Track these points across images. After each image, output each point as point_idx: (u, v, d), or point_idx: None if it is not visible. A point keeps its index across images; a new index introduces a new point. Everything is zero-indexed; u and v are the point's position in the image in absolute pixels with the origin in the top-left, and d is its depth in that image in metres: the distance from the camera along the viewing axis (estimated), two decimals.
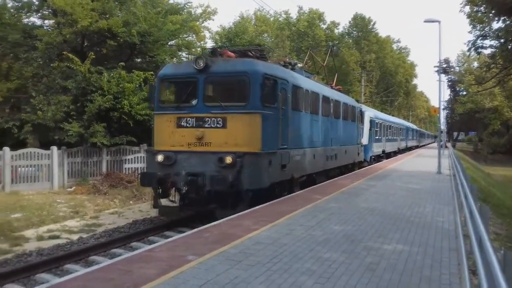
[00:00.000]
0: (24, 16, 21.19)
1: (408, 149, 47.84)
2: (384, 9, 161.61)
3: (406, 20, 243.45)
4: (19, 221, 11.41)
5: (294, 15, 64.21)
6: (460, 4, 25.55)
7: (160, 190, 10.78)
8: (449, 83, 69.66)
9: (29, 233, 10.45)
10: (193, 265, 5.64)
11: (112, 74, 18.33)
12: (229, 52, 11.64)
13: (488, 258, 4.05)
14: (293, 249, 6.48)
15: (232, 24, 47.75)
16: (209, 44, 33.86)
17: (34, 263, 7.85)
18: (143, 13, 19.66)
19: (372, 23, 69.55)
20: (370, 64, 65.25)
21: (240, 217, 8.79)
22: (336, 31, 66.18)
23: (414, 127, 64.06)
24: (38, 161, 17.02)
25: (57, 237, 10.15)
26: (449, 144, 68.01)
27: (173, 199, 11.04)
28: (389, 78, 72.21)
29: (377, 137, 28.98)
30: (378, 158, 29.57)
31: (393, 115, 53.18)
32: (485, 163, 60.24)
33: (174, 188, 10.77)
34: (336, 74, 24.25)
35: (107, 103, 17.62)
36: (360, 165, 22.93)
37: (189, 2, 25.25)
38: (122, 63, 18.72)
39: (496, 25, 24.67)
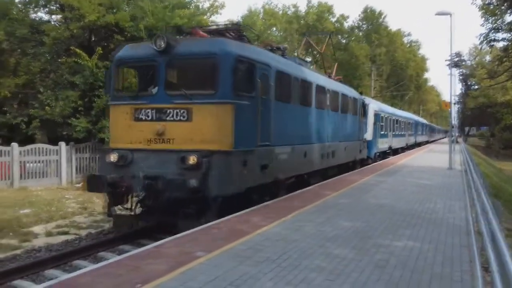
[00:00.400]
0: (31, 11, 21.22)
1: (418, 144, 46.39)
2: (394, 2, 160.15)
3: (417, 13, 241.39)
4: (28, 217, 11.44)
5: (303, 8, 63.96)
6: None
7: (112, 196, 9.03)
8: (461, 77, 68.90)
9: (38, 229, 10.46)
10: (201, 261, 5.59)
11: None
12: (201, 32, 9.99)
13: (502, 255, 3.95)
14: (303, 245, 6.40)
15: (240, 18, 47.64)
16: None
17: (43, 259, 7.85)
18: (150, 8, 19.59)
19: (382, 16, 69.10)
20: (380, 58, 64.69)
21: (248, 213, 8.72)
22: (345, 24, 65.79)
23: (424, 121, 63.09)
24: (46, 156, 17.07)
25: (66, 233, 10.15)
26: (460, 139, 67.37)
27: (129, 207, 9.27)
28: (399, 72, 71.59)
29: (382, 132, 26.64)
30: (384, 155, 27.36)
31: (403, 110, 52.28)
32: (496, 158, 59.55)
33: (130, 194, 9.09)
34: (336, 64, 22.32)
35: None
36: (362, 163, 21.01)
37: None
38: None
39: (509, 18, 24.46)
